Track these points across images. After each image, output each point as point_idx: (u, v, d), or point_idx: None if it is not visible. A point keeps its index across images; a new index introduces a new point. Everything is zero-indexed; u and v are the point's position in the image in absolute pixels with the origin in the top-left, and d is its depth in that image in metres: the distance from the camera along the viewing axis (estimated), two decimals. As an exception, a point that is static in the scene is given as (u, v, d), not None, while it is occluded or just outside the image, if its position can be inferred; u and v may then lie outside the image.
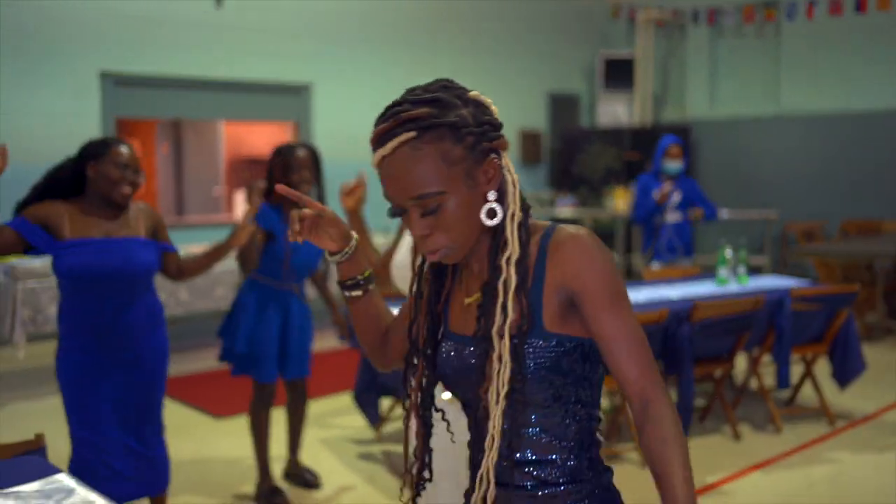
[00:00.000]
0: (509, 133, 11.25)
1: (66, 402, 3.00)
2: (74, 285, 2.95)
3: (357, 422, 5.14)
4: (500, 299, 1.39)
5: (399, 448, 4.77)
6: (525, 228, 1.42)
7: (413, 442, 1.55)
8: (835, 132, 10.26)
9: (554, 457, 1.43)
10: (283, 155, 3.83)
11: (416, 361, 1.53)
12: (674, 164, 6.11)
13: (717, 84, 11.72)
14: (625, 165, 11.13)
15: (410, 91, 1.46)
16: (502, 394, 1.38)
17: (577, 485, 1.43)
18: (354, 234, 1.58)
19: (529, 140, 11.53)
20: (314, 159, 3.83)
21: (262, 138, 11.42)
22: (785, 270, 9.78)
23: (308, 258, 3.90)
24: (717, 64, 11.70)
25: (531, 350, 1.39)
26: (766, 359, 5.58)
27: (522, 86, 11.41)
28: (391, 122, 1.40)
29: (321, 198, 3.95)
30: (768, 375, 5.88)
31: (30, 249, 2.89)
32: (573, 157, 11.53)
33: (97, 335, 2.96)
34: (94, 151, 2.98)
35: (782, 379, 4.98)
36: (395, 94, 1.50)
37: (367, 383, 4.59)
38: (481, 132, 1.40)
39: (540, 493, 1.43)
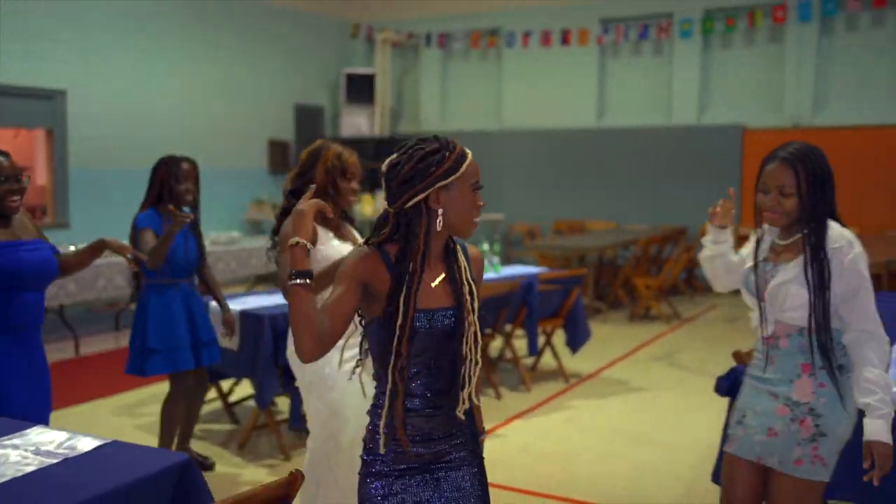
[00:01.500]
0: (259, 143, 11.83)
1: None
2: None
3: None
4: (466, 275, 2.13)
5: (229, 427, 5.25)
6: None
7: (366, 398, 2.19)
8: (547, 145, 11.96)
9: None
10: (169, 166, 4.19)
11: (396, 337, 2.03)
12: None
13: (448, 100, 13.08)
14: (369, 173, 12.10)
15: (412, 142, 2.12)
16: (473, 333, 2.09)
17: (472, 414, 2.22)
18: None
19: (277, 149, 12.13)
20: (196, 171, 4.24)
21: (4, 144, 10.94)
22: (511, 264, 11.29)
23: (189, 254, 4.26)
24: (448, 83, 13.07)
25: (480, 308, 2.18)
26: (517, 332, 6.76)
27: (270, 98, 12.00)
28: (453, 142, 2.12)
29: (197, 204, 4.32)
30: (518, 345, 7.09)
31: None
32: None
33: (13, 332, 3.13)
34: None
35: (532, 347, 6.16)
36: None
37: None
38: None
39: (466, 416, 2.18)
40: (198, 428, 5.20)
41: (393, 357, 2.05)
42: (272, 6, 11.89)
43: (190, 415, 4.55)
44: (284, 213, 3.30)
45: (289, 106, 12.40)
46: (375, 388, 2.19)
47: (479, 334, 2.13)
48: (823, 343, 2.49)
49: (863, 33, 10.28)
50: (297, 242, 2.05)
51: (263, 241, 8.63)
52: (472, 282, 2.15)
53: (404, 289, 2.05)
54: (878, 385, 2.42)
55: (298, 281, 2.03)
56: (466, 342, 2.09)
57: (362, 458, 2.20)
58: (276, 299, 5.04)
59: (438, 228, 2.08)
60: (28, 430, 2.59)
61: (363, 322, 2.16)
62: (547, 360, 6.84)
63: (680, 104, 11.27)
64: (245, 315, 4.73)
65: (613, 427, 5.38)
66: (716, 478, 3.36)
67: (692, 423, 5.42)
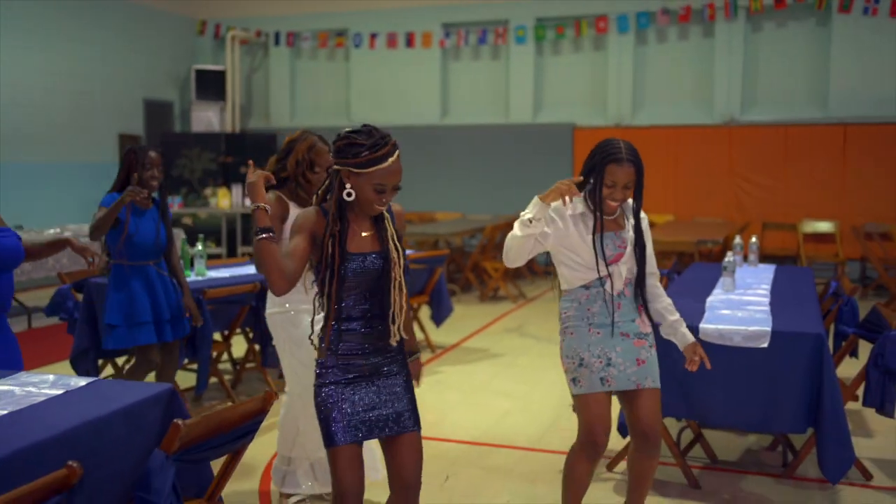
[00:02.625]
0: (109, 137, 11.81)
1: None
2: None
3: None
4: (391, 229, 2.72)
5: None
6: None
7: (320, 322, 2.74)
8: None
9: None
10: (137, 154, 4.44)
11: (329, 275, 2.64)
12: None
13: (297, 97, 13.51)
14: (221, 167, 12.35)
15: (374, 128, 2.64)
16: (399, 279, 2.71)
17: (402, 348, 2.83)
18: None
19: (127, 143, 12.14)
20: (161, 160, 4.49)
21: None
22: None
23: (150, 238, 4.49)
24: (297, 80, 13.49)
25: (404, 255, 2.79)
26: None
27: (120, 92, 11.99)
28: (391, 141, 2.62)
29: (163, 190, 4.56)
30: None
31: None
32: (172, 160, 12.41)
33: None
34: None
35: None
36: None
37: (84, 349, 5.31)
38: None
39: (400, 357, 2.80)
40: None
41: (326, 287, 2.67)
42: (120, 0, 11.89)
43: None
44: (266, 188, 3.74)
45: (138, 101, 12.42)
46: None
47: (403, 284, 2.73)
48: (643, 288, 3.30)
49: (671, 45, 11.67)
50: (258, 206, 2.63)
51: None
52: (395, 234, 2.75)
53: (327, 234, 2.66)
54: (673, 306, 3.38)
55: (264, 235, 2.58)
56: (394, 288, 2.70)
57: (315, 372, 2.78)
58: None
59: (348, 199, 2.66)
60: (18, 374, 3.00)
61: (313, 264, 2.75)
62: (415, 332, 7.50)
63: (516, 104, 12.28)
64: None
65: (478, 385, 6.13)
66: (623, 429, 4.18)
67: (544, 380, 6.27)
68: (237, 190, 11.54)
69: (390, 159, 2.62)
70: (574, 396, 3.29)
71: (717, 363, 3.74)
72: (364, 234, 2.73)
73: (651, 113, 11.67)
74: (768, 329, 3.98)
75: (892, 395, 4.15)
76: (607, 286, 3.24)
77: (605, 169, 3.16)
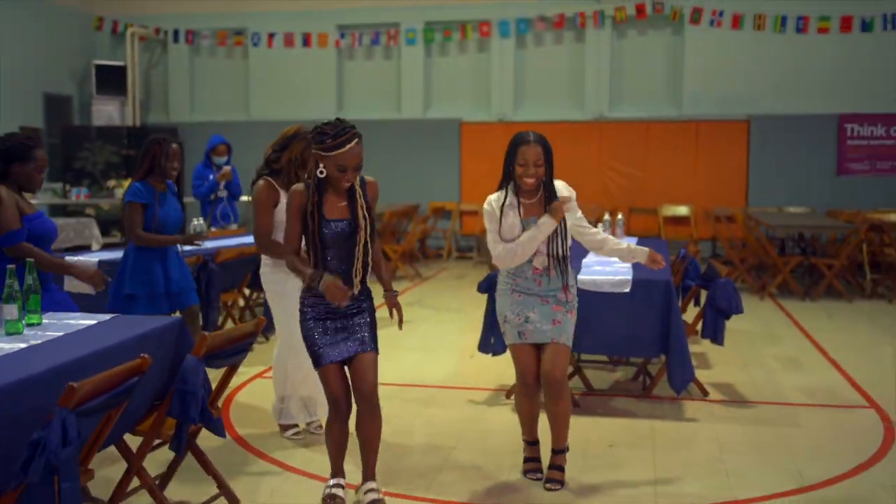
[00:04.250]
0: (10, 129, 12.02)
1: None
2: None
3: None
4: (360, 201, 3.55)
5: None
6: None
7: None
8: (293, 135, 13.37)
9: (363, 286, 3.65)
10: (161, 145, 5.00)
11: (312, 236, 3.51)
12: (221, 158, 8.38)
13: (196, 93, 14.02)
14: (124, 160, 12.78)
15: (341, 121, 3.47)
16: (363, 241, 3.50)
17: (370, 297, 3.69)
18: None
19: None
20: (182, 151, 5.08)
21: None
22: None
23: (175, 220, 5.14)
24: (196, 76, 14.01)
25: (371, 221, 3.59)
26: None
27: (19, 86, 12.23)
28: (350, 131, 3.41)
29: (180, 177, 5.15)
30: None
31: None
32: (74, 153, 12.74)
33: None
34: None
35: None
36: None
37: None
38: None
39: (366, 305, 3.66)
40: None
41: (311, 247, 3.53)
42: (20, -4, 12.14)
43: None
44: (259, 174, 4.42)
45: (38, 94, 12.68)
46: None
47: (368, 244, 3.54)
48: (567, 263, 3.91)
49: (547, 48, 12.92)
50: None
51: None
52: (364, 204, 3.54)
53: (309, 205, 3.50)
54: (618, 242, 4.08)
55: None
56: (358, 249, 3.52)
57: (300, 311, 3.64)
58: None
59: (320, 177, 3.47)
60: (61, 314, 3.74)
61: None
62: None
63: (407, 101, 13.25)
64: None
65: (391, 344, 7.02)
66: (484, 348, 5.19)
67: (444, 339, 7.28)
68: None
69: (348, 145, 3.40)
70: (508, 346, 4.01)
71: (590, 306, 4.80)
72: (340, 204, 3.54)
73: (530, 110, 12.86)
74: (629, 278, 5.09)
75: (721, 328, 5.37)
76: (534, 263, 3.86)
77: (517, 151, 3.79)
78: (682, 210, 12.19)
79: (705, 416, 5.03)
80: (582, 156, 12.47)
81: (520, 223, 3.85)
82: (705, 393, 5.43)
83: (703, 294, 5.67)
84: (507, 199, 3.88)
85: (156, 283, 5.07)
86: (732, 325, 5.93)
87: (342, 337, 3.59)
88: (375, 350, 3.67)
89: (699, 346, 6.52)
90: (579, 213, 3.98)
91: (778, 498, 3.81)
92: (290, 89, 13.55)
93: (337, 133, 3.43)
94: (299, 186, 3.56)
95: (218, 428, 3.52)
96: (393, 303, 3.74)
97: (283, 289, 4.49)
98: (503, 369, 5.65)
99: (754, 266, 10.40)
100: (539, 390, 3.95)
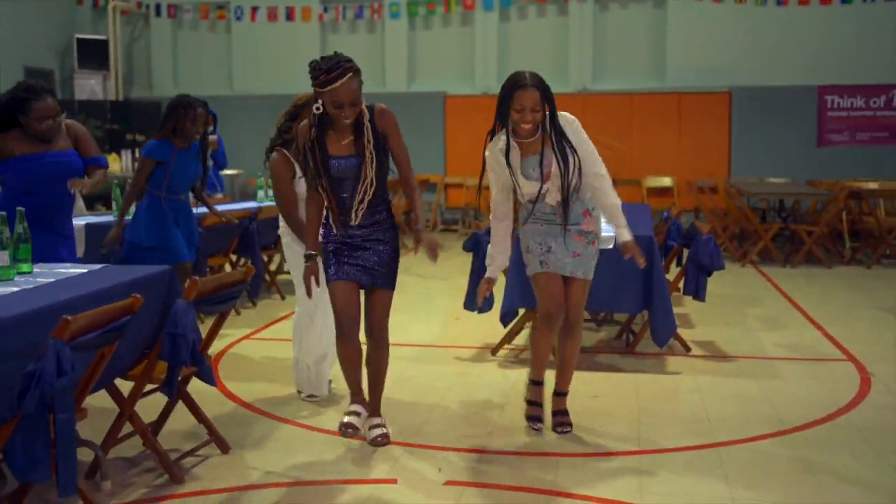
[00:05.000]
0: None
1: None
2: None
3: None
4: (368, 135, 3.51)
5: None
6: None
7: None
8: (278, 110, 13.29)
9: (380, 207, 3.68)
10: (186, 109, 5.10)
11: (317, 174, 3.54)
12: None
13: (179, 67, 13.95)
14: (108, 134, 12.72)
15: (337, 54, 3.46)
16: (371, 176, 3.53)
17: (390, 217, 3.72)
18: None
19: (10, 111, 12.30)
20: (206, 115, 5.21)
21: None
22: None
23: (188, 177, 5.32)
24: (179, 50, 13.93)
25: (378, 157, 3.57)
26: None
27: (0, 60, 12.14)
28: (345, 66, 3.39)
29: (204, 138, 5.31)
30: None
31: None
32: (56, 127, 12.66)
33: None
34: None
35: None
36: None
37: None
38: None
39: (378, 217, 3.68)
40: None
41: (318, 185, 3.57)
42: (-1, -31, 12.02)
43: None
44: (272, 145, 4.40)
45: (19, 68, 12.56)
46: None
47: (374, 179, 3.54)
48: (581, 193, 3.75)
49: (531, 21, 12.93)
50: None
51: None
52: (371, 139, 3.50)
53: (307, 143, 3.53)
54: (619, 208, 3.84)
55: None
56: (362, 183, 3.55)
57: (321, 242, 3.70)
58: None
59: (317, 112, 3.45)
60: (51, 264, 3.77)
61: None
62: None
63: (392, 74, 13.23)
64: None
65: (377, 309, 7.14)
66: (470, 305, 5.24)
67: (431, 303, 7.36)
68: (126, 155, 11.96)
69: (340, 80, 3.34)
70: (530, 278, 3.89)
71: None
72: (344, 142, 3.52)
73: (514, 83, 12.86)
74: (613, 234, 5.15)
75: (704, 285, 5.46)
76: (547, 200, 3.73)
77: (513, 95, 3.57)
78: (666, 181, 12.28)
79: (688, 370, 5.13)
80: (566, 128, 12.49)
81: (518, 165, 3.71)
82: (687, 349, 5.53)
83: (686, 254, 5.75)
84: (503, 143, 3.72)
85: (172, 233, 5.27)
86: (714, 288, 6.04)
87: (353, 264, 3.66)
88: (386, 286, 3.73)
89: (682, 307, 6.62)
90: (586, 149, 3.76)
91: (758, 440, 3.91)
92: (273, 63, 13.49)
93: (330, 67, 3.37)
94: (277, 155, 3.79)
95: (208, 375, 3.58)
96: (418, 237, 3.64)
97: (300, 260, 4.49)
98: (489, 328, 5.73)
99: (736, 235, 10.52)
100: (560, 322, 3.84)
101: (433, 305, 7.36)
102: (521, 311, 5.39)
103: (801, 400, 4.53)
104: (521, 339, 5.70)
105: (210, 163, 8.46)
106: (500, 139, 3.74)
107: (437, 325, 6.50)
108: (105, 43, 13.25)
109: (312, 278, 3.65)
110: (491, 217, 3.91)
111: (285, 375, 4.84)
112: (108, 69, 13.25)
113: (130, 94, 13.78)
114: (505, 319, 5.28)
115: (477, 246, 5.37)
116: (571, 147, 3.71)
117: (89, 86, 13.15)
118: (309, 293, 3.70)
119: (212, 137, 8.36)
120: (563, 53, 12.73)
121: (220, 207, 7.51)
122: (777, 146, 12.21)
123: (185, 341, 3.21)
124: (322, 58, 3.44)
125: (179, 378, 3.39)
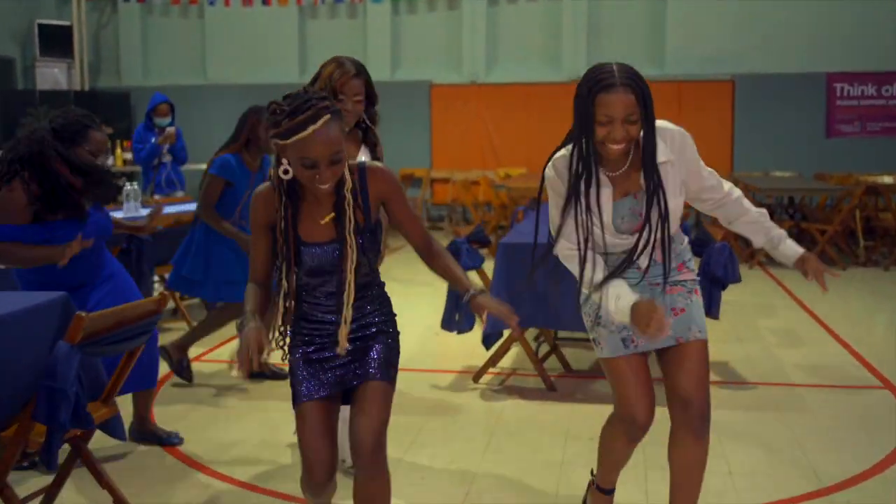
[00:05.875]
0: (-53, 93, 11.19)
1: None
2: None
3: None
4: (349, 213, 2.26)
5: None
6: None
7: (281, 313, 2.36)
8: (253, 99, 12.54)
9: (369, 306, 2.48)
10: (259, 116, 4.45)
11: (285, 266, 2.32)
12: (163, 119, 7.63)
13: (150, 55, 13.17)
14: (71, 127, 11.93)
15: (307, 91, 2.22)
16: (353, 268, 2.31)
17: (382, 295, 2.56)
18: None
19: (-34, 101, 11.54)
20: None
21: None
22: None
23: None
24: (149, 37, 13.15)
25: (364, 240, 2.32)
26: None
27: (-45, 46, 11.38)
28: (318, 106, 2.13)
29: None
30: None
31: None
32: (17, 120, 11.87)
33: None
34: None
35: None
36: None
37: None
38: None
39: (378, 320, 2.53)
40: None
41: (282, 271, 2.35)
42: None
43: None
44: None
45: (-25, 56, 11.80)
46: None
47: (358, 264, 2.34)
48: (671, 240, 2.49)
49: (521, 6, 12.17)
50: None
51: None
52: (353, 219, 2.29)
53: (278, 222, 2.30)
54: (767, 218, 2.67)
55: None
56: (347, 279, 2.34)
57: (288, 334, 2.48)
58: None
59: (284, 177, 2.24)
60: None
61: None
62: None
63: (374, 62, 12.44)
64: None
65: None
66: (448, 325, 4.55)
67: (410, 314, 6.60)
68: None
69: (311, 127, 2.14)
70: (600, 362, 2.66)
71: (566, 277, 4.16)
72: (322, 219, 2.31)
73: (504, 71, 12.15)
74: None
75: (717, 300, 4.74)
76: (640, 262, 2.50)
77: (595, 101, 2.37)
78: (665, 175, 11.58)
79: (699, 401, 4.42)
80: (559, 118, 11.73)
81: (610, 209, 2.47)
82: (698, 373, 4.81)
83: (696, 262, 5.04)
84: (583, 168, 2.45)
85: (221, 269, 4.59)
86: (723, 295, 5.34)
87: (333, 367, 2.46)
88: (383, 377, 2.51)
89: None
90: (698, 166, 2.58)
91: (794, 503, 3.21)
92: (249, 51, 12.73)
93: (296, 109, 2.16)
94: (259, 194, 2.35)
95: (117, 429, 2.88)
96: (479, 308, 2.40)
97: None
98: (471, 348, 5.03)
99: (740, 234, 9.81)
100: (647, 430, 2.61)
101: (412, 315, 6.61)
102: (507, 333, 4.68)
103: (837, 443, 3.83)
104: (508, 361, 5.00)
105: (168, 158, 7.78)
106: (576, 162, 2.49)
107: (415, 342, 5.79)
108: (69, 29, 12.45)
109: (251, 347, 2.20)
110: (557, 250, 2.63)
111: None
112: (72, 57, 12.47)
113: (97, 84, 13.00)
114: (488, 342, 4.59)
115: (457, 255, 4.65)
116: (679, 179, 2.50)
117: (52, 75, 12.37)
118: (247, 373, 2.21)
119: (169, 130, 7.63)
120: (556, 39, 11.99)
121: (178, 207, 6.80)
122: (783, 137, 11.52)
123: (65, 398, 2.49)
124: (286, 96, 2.22)
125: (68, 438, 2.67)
